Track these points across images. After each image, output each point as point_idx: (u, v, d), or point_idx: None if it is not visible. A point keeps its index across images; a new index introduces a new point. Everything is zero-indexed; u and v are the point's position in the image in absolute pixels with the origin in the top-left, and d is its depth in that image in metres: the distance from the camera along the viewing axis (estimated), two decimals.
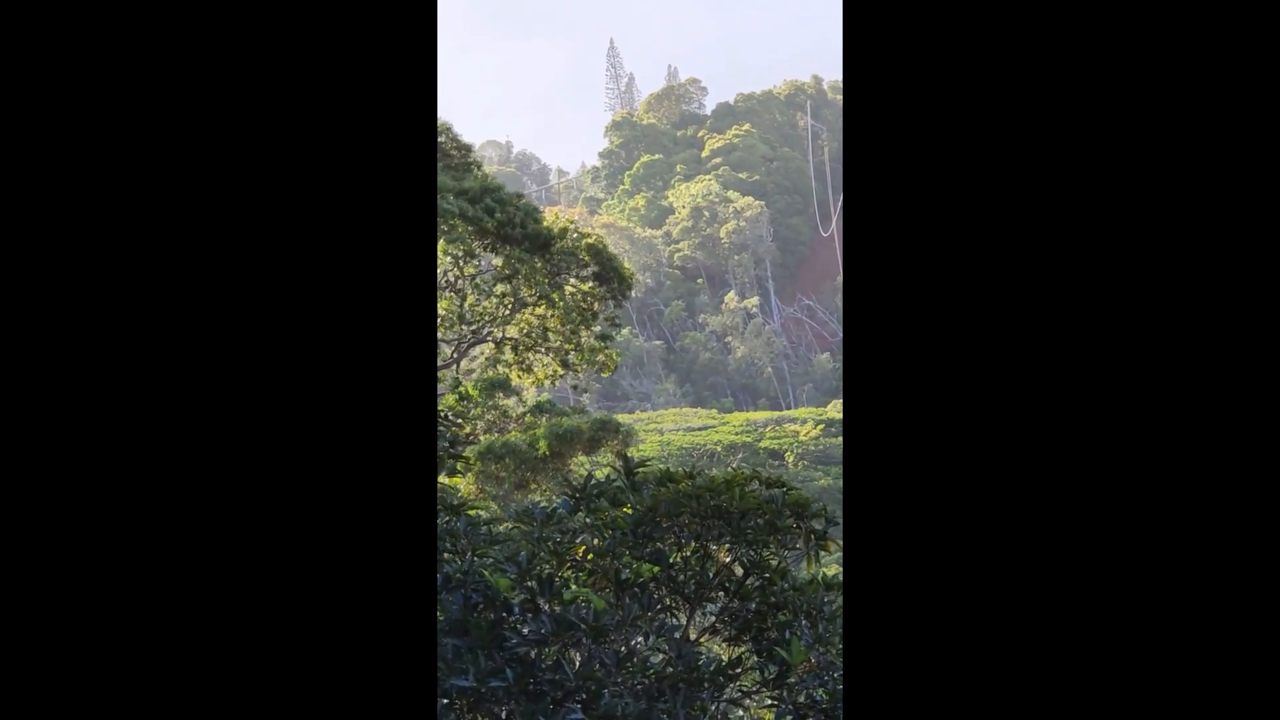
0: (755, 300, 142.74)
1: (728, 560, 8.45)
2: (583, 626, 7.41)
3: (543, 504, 8.62)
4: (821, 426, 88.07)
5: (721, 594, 8.46)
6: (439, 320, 28.45)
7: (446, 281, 28.95)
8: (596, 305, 29.92)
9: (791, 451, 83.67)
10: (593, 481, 8.60)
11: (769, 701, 8.14)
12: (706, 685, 7.77)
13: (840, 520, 8.31)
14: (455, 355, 30.13)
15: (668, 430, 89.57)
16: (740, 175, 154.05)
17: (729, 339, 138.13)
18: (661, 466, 8.67)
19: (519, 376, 30.38)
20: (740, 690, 8.27)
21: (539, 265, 29.12)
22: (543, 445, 27.55)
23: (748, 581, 8.39)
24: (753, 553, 8.37)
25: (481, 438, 28.97)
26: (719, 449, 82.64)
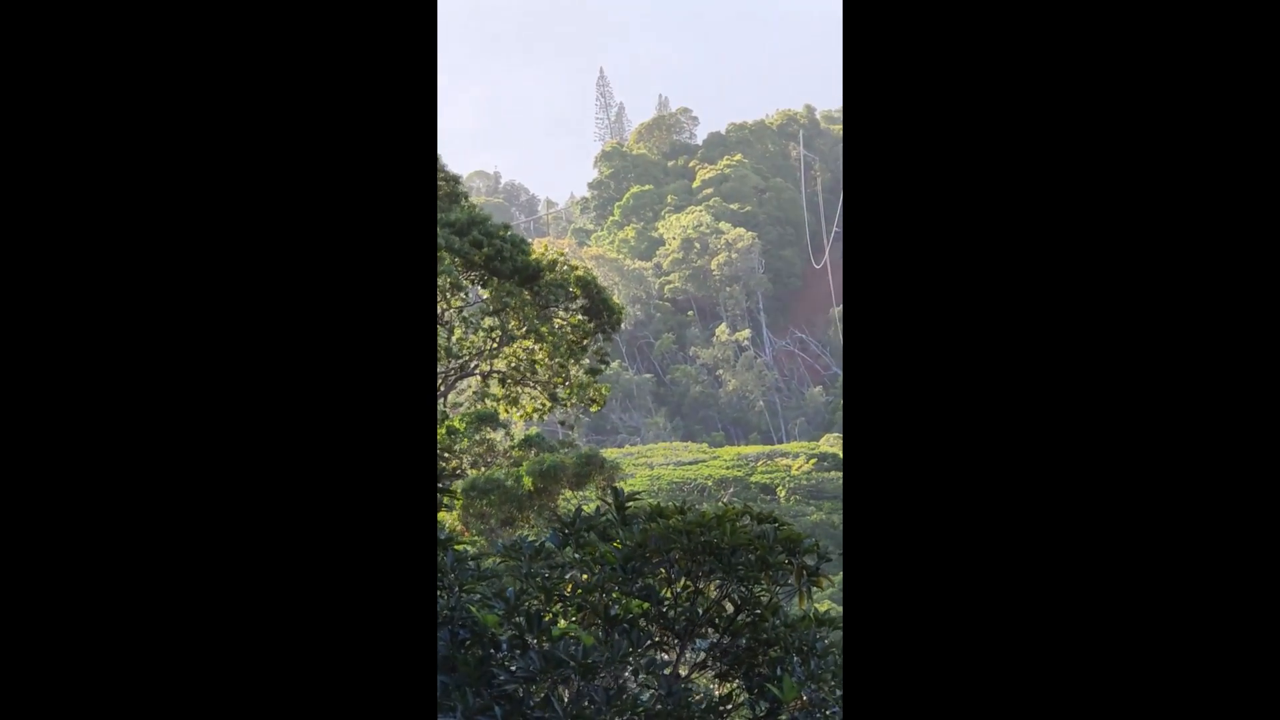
0: (747, 333, 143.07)
1: (718, 596, 8.42)
2: (571, 663, 7.36)
3: (531, 538, 8.56)
4: (814, 461, 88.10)
5: (712, 630, 8.43)
6: None
7: None
8: (586, 340, 29.96)
9: (783, 486, 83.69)
10: (582, 516, 8.55)
11: None
12: None
13: (833, 556, 8.28)
14: (442, 389, 30.13)
15: (658, 464, 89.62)
16: (732, 206, 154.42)
17: (720, 372, 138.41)
18: (652, 501, 8.62)
19: (506, 410, 30.39)
20: None
21: (527, 298, 29.16)
22: (527, 481, 27.52)
23: (739, 617, 8.36)
24: (744, 588, 8.35)
25: (469, 471, 28.92)
26: (709, 483, 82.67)
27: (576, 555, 8.33)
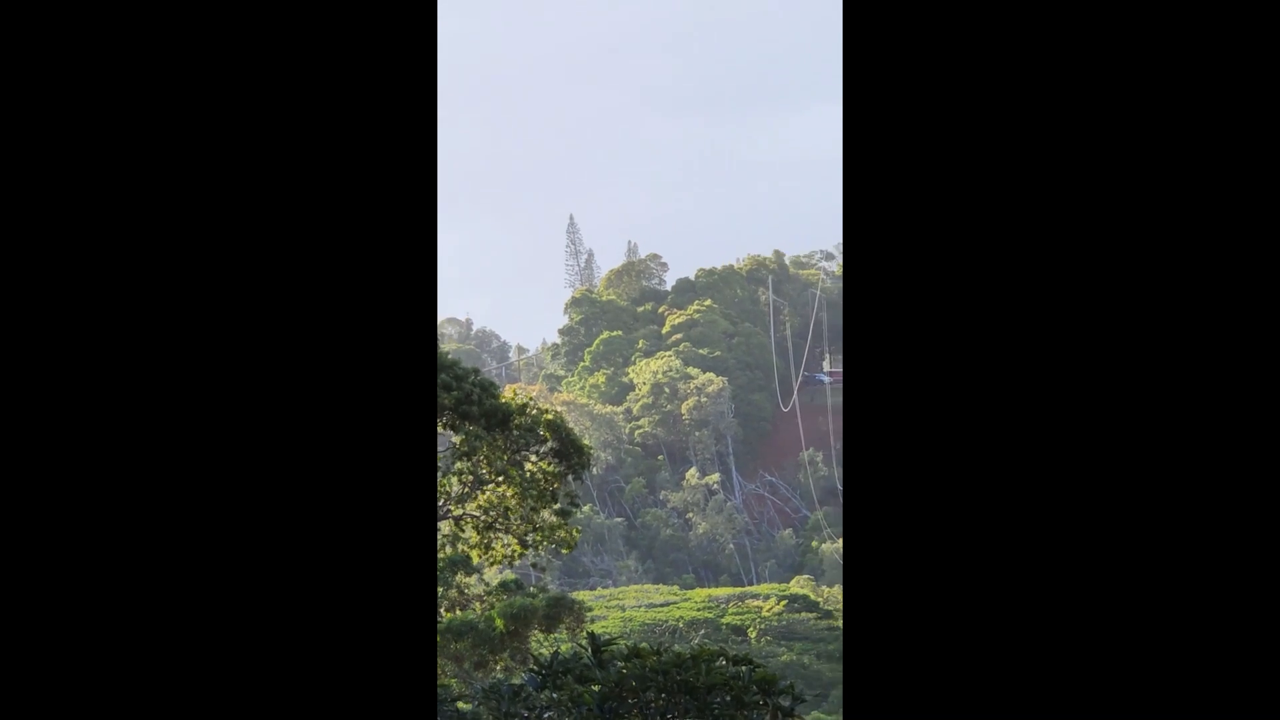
0: (716, 476, 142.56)
1: None
2: None
3: (509, 680, 8.58)
4: (784, 602, 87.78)
5: None
6: None
7: None
8: (556, 485, 29.85)
9: (754, 627, 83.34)
10: (559, 658, 8.58)
11: None
12: None
13: (807, 697, 8.31)
14: None
15: (630, 606, 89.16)
16: (701, 351, 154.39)
17: (690, 515, 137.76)
18: (627, 643, 8.68)
19: (479, 555, 30.21)
20: None
21: (498, 442, 29.08)
22: (499, 623, 27.54)
23: None
24: None
25: (444, 614, 28.79)
26: (681, 625, 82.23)
27: (555, 696, 8.35)
